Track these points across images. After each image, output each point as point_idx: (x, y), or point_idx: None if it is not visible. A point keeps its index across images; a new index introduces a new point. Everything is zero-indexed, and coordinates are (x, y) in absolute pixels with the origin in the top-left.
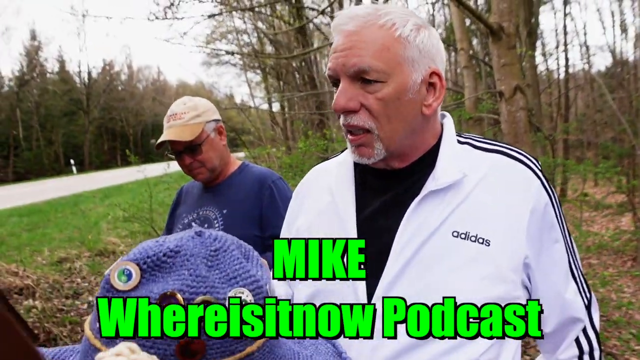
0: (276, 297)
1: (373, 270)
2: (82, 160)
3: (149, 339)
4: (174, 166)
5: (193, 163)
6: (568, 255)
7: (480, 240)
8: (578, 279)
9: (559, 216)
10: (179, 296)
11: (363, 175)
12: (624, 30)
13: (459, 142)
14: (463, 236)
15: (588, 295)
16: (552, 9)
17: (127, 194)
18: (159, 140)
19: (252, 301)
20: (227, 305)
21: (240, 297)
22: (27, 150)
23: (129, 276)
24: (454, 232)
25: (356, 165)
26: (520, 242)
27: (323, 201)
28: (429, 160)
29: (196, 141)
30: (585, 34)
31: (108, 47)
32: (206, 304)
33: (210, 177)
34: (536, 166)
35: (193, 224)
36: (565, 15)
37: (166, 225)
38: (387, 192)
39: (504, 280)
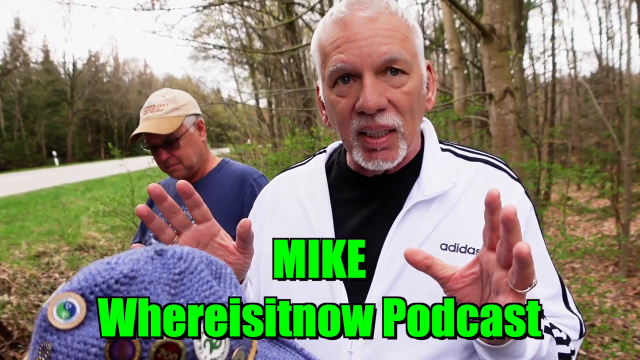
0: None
1: (358, 288)
2: (64, 152)
3: None
4: None
5: (170, 159)
6: (547, 252)
7: (471, 251)
8: (557, 271)
9: (538, 221)
10: (135, 340)
11: (336, 185)
12: (610, 37)
13: (441, 149)
14: (452, 248)
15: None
16: (540, 13)
17: (109, 187)
18: (134, 132)
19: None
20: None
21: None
22: (8, 141)
23: (72, 311)
24: (442, 244)
25: (328, 175)
26: None
27: (293, 217)
28: (412, 168)
29: (174, 135)
30: (572, 39)
31: (94, 39)
32: (168, 346)
33: (187, 174)
34: (515, 174)
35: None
36: (553, 20)
37: (140, 224)
38: (369, 202)
39: None
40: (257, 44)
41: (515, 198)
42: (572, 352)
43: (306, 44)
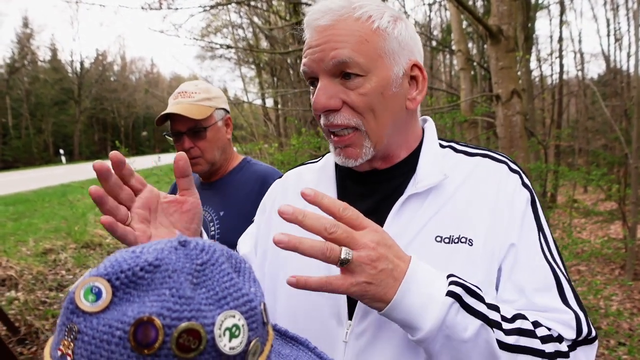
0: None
1: None
2: (71, 150)
3: None
4: (164, 159)
5: (193, 149)
6: (541, 243)
7: (464, 240)
8: (554, 266)
9: (537, 213)
10: (157, 322)
11: (343, 181)
12: (618, 38)
13: (441, 145)
14: (447, 240)
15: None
16: (548, 14)
17: None
18: (163, 112)
19: (245, 325)
20: (215, 332)
21: (230, 323)
22: (16, 139)
23: (98, 295)
24: (436, 237)
25: (337, 171)
26: (501, 235)
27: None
28: (411, 164)
29: (202, 124)
30: (580, 41)
31: (101, 38)
32: (190, 332)
33: (208, 170)
34: (517, 167)
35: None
36: (561, 21)
37: None
38: (369, 197)
39: (491, 281)
40: (264, 44)
41: (510, 189)
42: (561, 352)
43: None
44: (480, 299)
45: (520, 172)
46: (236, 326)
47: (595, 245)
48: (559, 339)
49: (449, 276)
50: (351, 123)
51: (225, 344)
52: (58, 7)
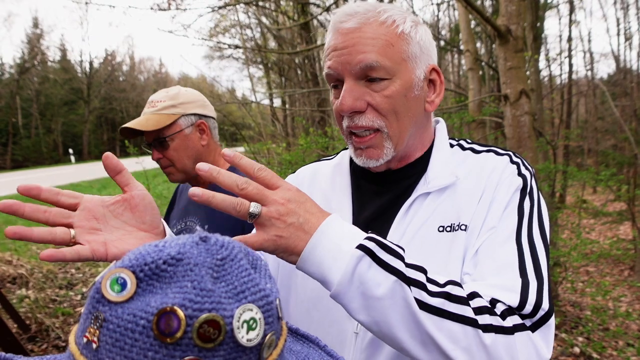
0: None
1: None
2: (80, 150)
3: (143, 358)
4: None
5: (162, 160)
6: (520, 225)
7: (463, 227)
8: (524, 247)
9: (523, 200)
10: (180, 312)
11: (357, 179)
12: (628, 38)
13: (451, 145)
14: (448, 229)
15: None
16: (557, 14)
17: None
18: (122, 126)
19: (262, 319)
20: (234, 324)
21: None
22: (25, 138)
23: (123, 285)
24: (439, 227)
25: (351, 169)
26: (484, 218)
27: None
28: (423, 163)
29: (162, 134)
30: (589, 40)
31: (110, 38)
32: (210, 323)
33: (184, 178)
34: (519, 158)
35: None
36: (570, 21)
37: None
38: (383, 196)
39: None
40: (272, 44)
41: (504, 176)
42: (499, 328)
43: (321, 45)
44: (398, 256)
45: (521, 162)
46: (253, 319)
47: (604, 246)
48: (502, 314)
49: (368, 234)
50: (375, 125)
51: (243, 336)
52: (68, 7)
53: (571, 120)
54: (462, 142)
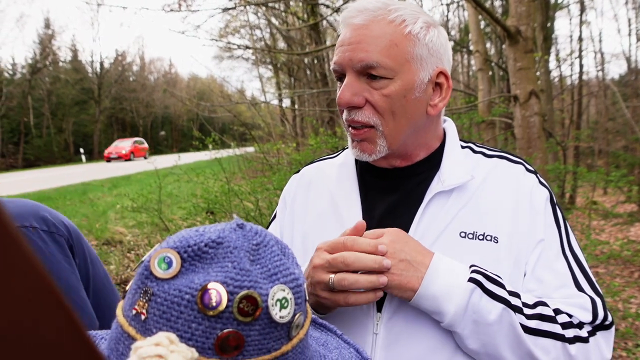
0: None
1: None
2: (91, 149)
3: (188, 329)
4: (184, 159)
5: None
6: (561, 238)
7: (489, 238)
8: (570, 260)
9: (555, 210)
10: (222, 288)
11: (363, 176)
12: (639, 38)
13: (462, 146)
14: (471, 236)
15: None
16: (567, 14)
17: (135, 184)
18: None
19: (293, 299)
20: (269, 302)
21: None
22: (37, 138)
23: (170, 264)
24: (461, 232)
25: (357, 167)
26: (526, 233)
27: (320, 205)
28: (433, 162)
29: None
30: (600, 40)
31: (121, 38)
32: (249, 299)
33: None
34: (531, 167)
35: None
36: (581, 21)
37: None
38: (393, 192)
39: (518, 276)
40: (281, 45)
41: (527, 188)
42: (580, 338)
43: (330, 45)
44: (500, 285)
45: (535, 172)
46: (285, 299)
47: (614, 248)
48: (579, 325)
49: (470, 266)
50: (370, 122)
51: (277, 313)
52: (80, 8)
53: (581, 121)
54: (471, 144)
